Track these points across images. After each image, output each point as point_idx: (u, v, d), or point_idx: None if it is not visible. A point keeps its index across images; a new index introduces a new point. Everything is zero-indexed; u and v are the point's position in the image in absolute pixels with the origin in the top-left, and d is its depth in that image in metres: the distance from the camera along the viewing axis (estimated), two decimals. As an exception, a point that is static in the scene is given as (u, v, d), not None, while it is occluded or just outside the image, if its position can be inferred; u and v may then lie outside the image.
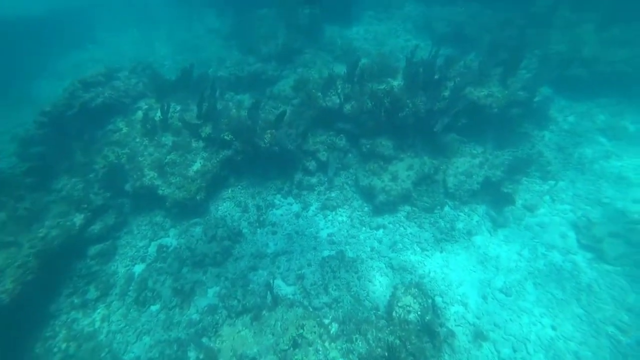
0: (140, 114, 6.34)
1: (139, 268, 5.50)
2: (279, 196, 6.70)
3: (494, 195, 6.32)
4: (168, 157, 5.86)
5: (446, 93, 6.79)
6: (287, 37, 9.03)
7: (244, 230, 6.00)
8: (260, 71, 8.43)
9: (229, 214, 6.21)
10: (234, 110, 6.67)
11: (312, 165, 6.79)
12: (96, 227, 5.50)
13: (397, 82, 7.10)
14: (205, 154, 6.03)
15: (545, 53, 8.14)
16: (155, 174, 5.72)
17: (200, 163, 5.89)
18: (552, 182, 6.44)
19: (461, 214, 6.28)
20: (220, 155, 6.08)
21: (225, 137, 6.09)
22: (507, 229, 5.96)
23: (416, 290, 4.80)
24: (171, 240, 5.78)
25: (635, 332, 4.45)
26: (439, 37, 9.47)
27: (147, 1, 12.69)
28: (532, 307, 4.87)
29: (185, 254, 5.37)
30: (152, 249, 5.67)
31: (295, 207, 6.53)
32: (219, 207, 6.28)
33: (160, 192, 5.67)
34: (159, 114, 6.20)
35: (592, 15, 8.47)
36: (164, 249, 5.58)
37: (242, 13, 10.15)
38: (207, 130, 6.08)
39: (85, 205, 5.46)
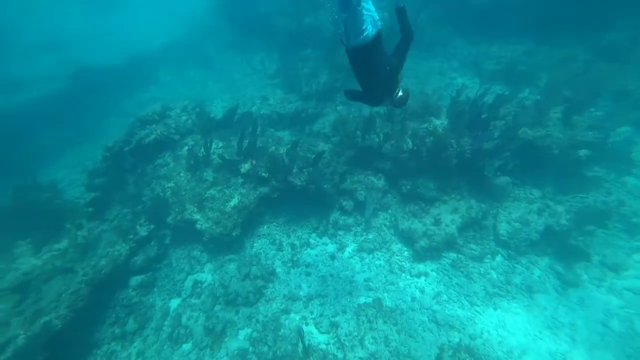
0: (185, 149, 6.89)
1: (174, 303, 5.67)
2: (314, 235, 6.66)
3: (559, 248, 5.68)
4: (208, 192, 6.22)
5: (496, 133, 6.52)
6: (328, 76, 9.52)
7: (278, 270, 5.98)
8: (300, 109, 8.89)
9: (264, 251, 6.28)
10: (273, 148, 7.00)
11: (349, 204, 6.74)
12: (139, 258, 5.87)
13: (440, 122, 7.00)
14: (243, 190, 6.31)
15: (624, 90, 7.49)
16: (195, 208, 6.07)
17: (238, 199, 6.15)
18: None
19: (518, 266, 5.68)
20: (258, 192, 6.32)
21: (263, 174, 6.35)
22: (581, 289, 5.21)
23: (466, 355, 4.28)
24: (206, 275, 5.94)
25: None
26: (488, 75, 9.29)
27: (202, 47, 14.34)
28: (619, 393, 4.06)
29: (219, 291, 5.46)
30: (188, 283, 5.86)
31: (331, 248, 6.42)
32: (254, 244, 6.40)
33: (198, 226, 5.96)
34: (202, 150, 6.70)
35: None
36: (199, 284, 5.74)
37: (286, 54, 11.02)
38: (246, 166, 6.41)
39: (132, 236, 5.90)
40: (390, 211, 6.78)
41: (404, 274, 5.82)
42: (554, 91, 6.90)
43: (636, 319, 4.71)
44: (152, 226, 6.26)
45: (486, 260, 5.84)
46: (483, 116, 6.62)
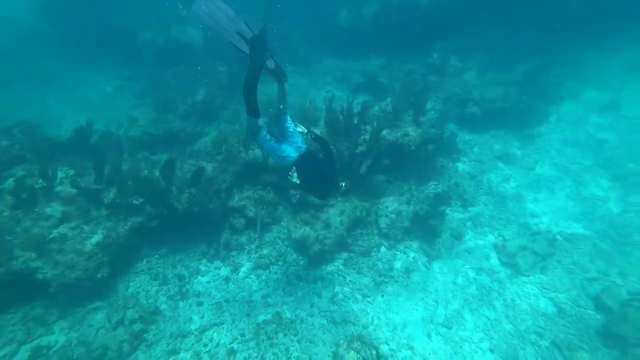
0: (11, 182, 5.58)
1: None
2: (204, 261, 6.34)
3: (425, 230, 6.86)
4: (55, 231, 5.19)
5: (366, 136, 7.57)
6: (206, 93, 9.40)
7: (162, 307, 5.41)
8: (178, 129, 8.46)
9: (143, 289, 5.60)
10: (146, 171, 6.44)
11: (239, 222, 6.68)
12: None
13: (319, 130, 7.71)
14: (109, 223, 5.53)
15: (447, 95, 9.78)
16: (33, 254, 4.94)
17: (102, 234, 5.34)
18: (471, 209, 7.29)
19: (397, 252, 6.61)
20: (130, 223, 5.66)
21: (135, 201, 5.75)
22: (440, 260, 6.42)
23: (359, 343, 4.72)
24: (57, 337, 4.82)
25: (549, 334, 5.05)
26: (356, 87, 10.79)
27: (42, 59, 11.93)
28: (472, 334, 5.14)
29: (78, 351, 4.53)
30: (22, 355, 4.60)
31: (224, 271, 6.21)
32: (130, 283, 5.64)
33: (40, 276, 4.84)
34: (41, 180, 5.57)
35: (473, 64, 10.63)
36: (43, 351, 4.59)
37: (156, 71, 10.38)
38: (110, 195, 5.68)
39: None
40: (283, 223, 7.01)
41: (301, 283, 6.06)
42: (404, 98, 8.47)
43: (470, 271, 6.13)
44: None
45: (373, 254, 6.59)
46: (355, 122, 7.62)
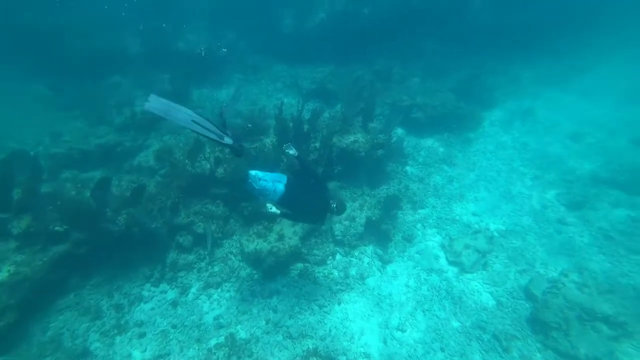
0: None
1: None
2: (148, 285, 5.80)
3: (378, 234, 7.01)
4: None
5: (317, 144, 7.57)
6: (147, 103, 8.73)
7: (94, 346, 4.81)
8: (115, 143, 7.72)
9: (69, 329, 4.91)
10: (74, 192, 5.74)
11: (187, 240, 6.26)
12: None
13: (270, 139, 7.54)
14: (19, 257, 4.76)
15: (393, 101, 10.19)
16: None
17: (9, 271, 4.58)
18: (420, 211, 7.63)
19: (353, 259, 6.67)
20: (51, 253, 4.96)
21: (57, 228, 5.07)
22: (394, 263, 6.59)
23: (315, 358, 4.63)
24: None
25: (490, 327, 5.42)
26: (306, 93, 10.79)
27: None
28: (424, 335, 5.33)
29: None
30: None
31: (171, 294, 5.74)
32: (51, 325, 4.91)
33: None
34: None
35: (416, 72, 11.27)
36: None
37: (88, 80, 9.38)
38: (22, 224, 4.92)
39: None
40: (235, 237, 6.71)
41: (256, 299, 5.82)
42: (353, 104, 8.65)
43: (422, 273, 6.39)
44: None
45: (328, 262, 6.57)
46: (305, 129, 7.58)
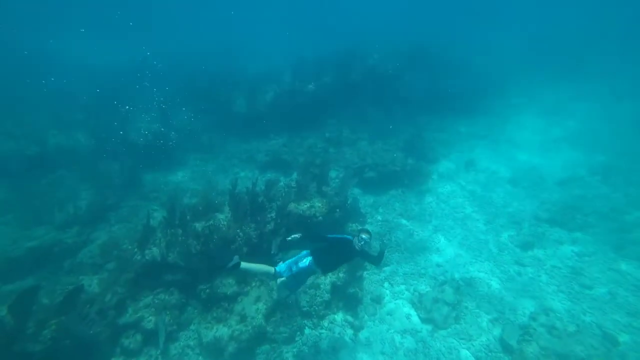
0: None
1: None
2: (84, 408, 5.01)
3: (346, 299, 6.86)
4: None
5: (273, 214, 7.69)
6: (96, 195, 8.60)
7: None
8: (53, 242, 7.28)
9: None
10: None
11: (134, 341, 5.68)
12: None
13: (224, 215, 7.57)
14: None
15: (346, 164, 10.92)
16: None
17: None
18: (385, 269, 7.69)
19: (322, 330, 6.37)
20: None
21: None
22: (365, 329, 6.38)
23: None
24: None
25: None
26: (262, 166, 11.28)
27: None
28: (406, 409, 4.97)
29: None
30: None
31: (115, 414, 4.98)
32: None
33: None
34: None
35: (363, 135, 12.41)
36: None
37: (25, 181, 9.05)
38: None
39: None
40: (192, 326, 6.22)
41: (218, 400, 5.22)
42: (307, 171, 9.13)
43: (396, 336, 6.22)
44: None
45: (297, 338, 6.21)
46: (260, 200, 7.73)
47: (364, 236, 4.36)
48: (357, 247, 4.38)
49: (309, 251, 4.53)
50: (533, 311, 6.23)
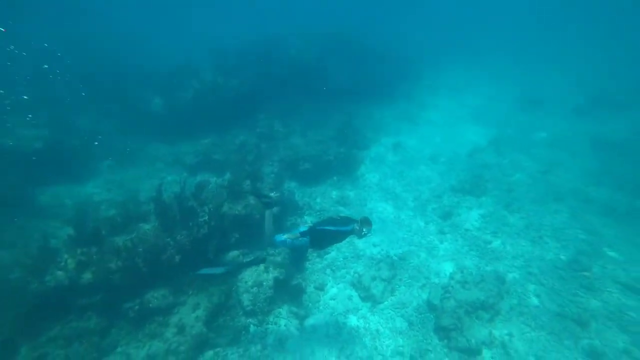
0: None
1: None
2: None
3: (290, 292, 6.90)
4: None
5: (206, 217, 7.33)
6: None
7: None
8: None
9: None
10: None
11: (43, 380, 4.97)
12: None
13: (150, 225, 7.00)
14: None
15: (280, 158, 10.87)
16: None
17: None
18: (326, 257, 7.90)
19: (268, 325, 6.33)
20: None
21: None
22: (311, 317, 6.51)
23: None
24: None
25: (407, 349, 5.78)
26: (191, 168, 10.64)
27: None
28: (349, 383, 5.24)
29: None
30: None
31: None
32: None
33: None
34: None
35: (295, 127, 12.48)
36: None
37: None
38: None
39: None
40: (119, 349, 5.66)
41: None
42: (240, 168, 8.91)
43: (339, 318, 6.50)
44: None
45: (242, 338, 6.07)
46: (190, 204, 7.30)
47: (365, 230, 4.56)
48: (358, 237, 4.65)
49: (305, 230, 4.75)
50: (452, 272, 7.01)
